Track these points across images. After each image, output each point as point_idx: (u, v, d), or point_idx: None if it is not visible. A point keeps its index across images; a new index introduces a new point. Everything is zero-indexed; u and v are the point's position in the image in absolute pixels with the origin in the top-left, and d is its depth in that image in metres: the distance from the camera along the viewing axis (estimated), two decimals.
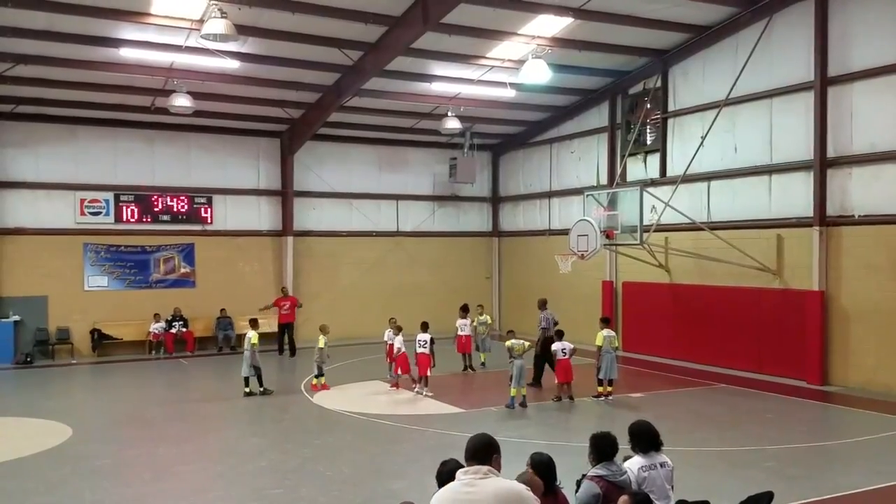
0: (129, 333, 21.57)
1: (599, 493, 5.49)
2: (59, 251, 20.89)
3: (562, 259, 19.55)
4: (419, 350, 15.42)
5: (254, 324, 16.07)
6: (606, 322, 15.50)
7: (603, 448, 5.76)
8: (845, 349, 15.69)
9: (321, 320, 17.83)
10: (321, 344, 15.90)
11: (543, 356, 16.03)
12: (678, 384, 16.58)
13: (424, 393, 15.13)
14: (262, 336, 19.64)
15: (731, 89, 17.35)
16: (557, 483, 5.51)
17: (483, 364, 18.25)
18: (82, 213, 21.19)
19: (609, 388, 14.79)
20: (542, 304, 17.35)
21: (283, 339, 21.42)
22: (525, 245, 25.74)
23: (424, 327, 15.86)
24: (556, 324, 16.56)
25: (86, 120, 21.03)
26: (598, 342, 14.79)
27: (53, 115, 20.63)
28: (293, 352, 21.10)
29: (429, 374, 15.29)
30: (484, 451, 4.28)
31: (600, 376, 14.77)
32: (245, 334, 15.97)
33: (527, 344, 14.42)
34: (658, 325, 20.00)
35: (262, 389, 15.39)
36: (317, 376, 15.94)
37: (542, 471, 5.65)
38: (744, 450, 11.10)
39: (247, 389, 15.33)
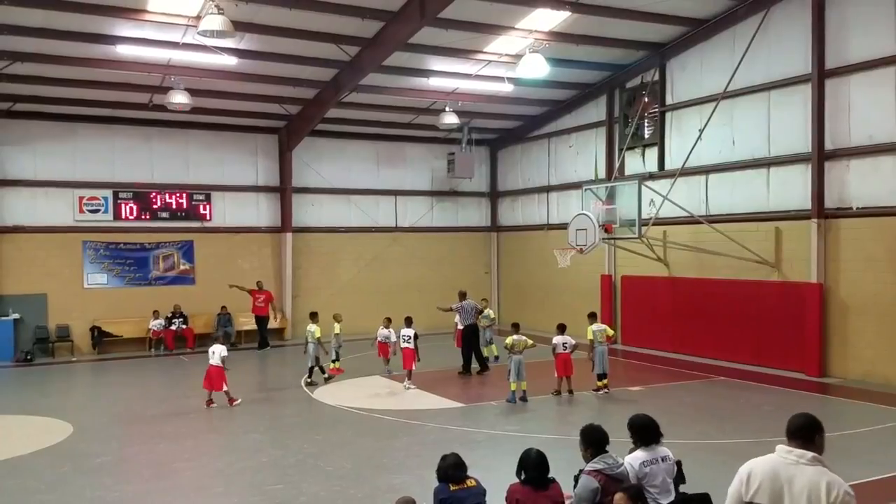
0: (128, 331, 21.61)
1: (598, 487, 5.51)
2: (59, 249, 20.91)
3: (560, 253, 19.57)
4: (403, 345, 15.76)
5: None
6: (594, 317, 15.57)
7: (594, 440, 5.78)
8: (844, 341, 15.72)
9: (320, 316, 17.80)
10: (336, 330, 16.68)
11: (468, 346, 17.14)
12: (677, 377, 16.60)
13: (406, 385, 15.43)
14: (250, 333, 22.40)
15: (729, 82, 17.34)
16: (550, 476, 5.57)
17: (497, 358, 18.05)
18: (81, 211, 21.20)
19: (605, 381, 14.83)
20: (462, 296, 17.92)
21: (264, 332, 21.88)
22: (524, 240, 25.73)
23: (408, 322, 16.02)
24: (479, 312, 17.78)
25: (84, 117, 21.01)
26: (590, 336, 14.88)
27: (51, 113, 20.61)
28: (262, 345, 21.57)
29: (413, 367, 15.59)
30: (806, 431, 4.38)
31: (596, 371, 14.84)
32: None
33: (529, 341, 14.40)
34: (657, 318, 20.02)
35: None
36: (333, 361, 16.53)
37: (533, 467, 5.75)
38: (743, 442, 11.10)
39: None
